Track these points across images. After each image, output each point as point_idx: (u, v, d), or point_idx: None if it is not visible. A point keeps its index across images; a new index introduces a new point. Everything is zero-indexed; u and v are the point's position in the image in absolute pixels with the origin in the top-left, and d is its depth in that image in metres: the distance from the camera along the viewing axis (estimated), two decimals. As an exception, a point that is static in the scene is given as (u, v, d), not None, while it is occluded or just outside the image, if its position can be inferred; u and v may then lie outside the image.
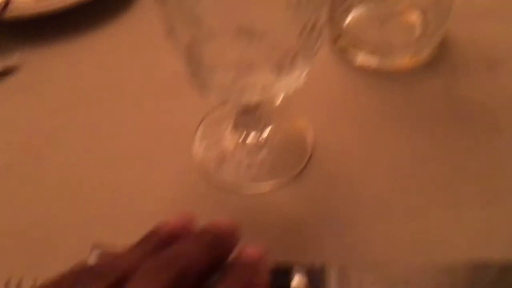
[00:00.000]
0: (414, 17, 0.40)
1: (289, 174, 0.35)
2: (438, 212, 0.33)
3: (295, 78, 0.30)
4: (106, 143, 0.37)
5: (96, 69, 0.43)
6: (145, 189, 0.34)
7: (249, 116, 0.35)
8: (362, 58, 0.41)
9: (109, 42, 0.45)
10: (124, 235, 0.29)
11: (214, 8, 0.26)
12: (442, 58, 0.41)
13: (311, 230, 0.32)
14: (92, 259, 0.27)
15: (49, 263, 0.30)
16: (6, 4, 0.43)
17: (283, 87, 0.30)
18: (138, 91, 0.41)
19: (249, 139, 0.37)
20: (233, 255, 0.23)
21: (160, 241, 0.22)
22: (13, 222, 0.33)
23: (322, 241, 0.32)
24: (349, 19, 0.42)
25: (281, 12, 0.27)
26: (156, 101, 0.40)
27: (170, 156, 0.36)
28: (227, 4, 0.27)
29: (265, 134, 0.37)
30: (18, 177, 0.36)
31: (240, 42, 0.27)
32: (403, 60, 0.41)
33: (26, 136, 0.38)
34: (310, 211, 0.33)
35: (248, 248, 0.22)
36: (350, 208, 0.33)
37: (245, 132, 0.36)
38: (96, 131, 0.38)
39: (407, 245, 0.31)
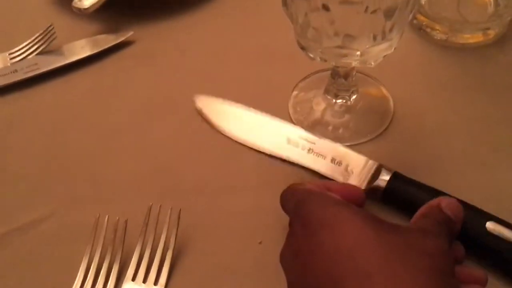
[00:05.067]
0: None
1: (372, 134, 0.40)
2: (507, 168, 0.37)
3: (388, 46, 0.35)
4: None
5: (199, 42, 0.49)
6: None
7: (340, 82, 0.40)
8: (439, 33, 0.45)
9: (211, 19, 0.50)
10: (231, 177, 0.39)
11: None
12: (511, 35, 0.46)
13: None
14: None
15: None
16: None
17: (377, 54, 0.35)
18: (241, 59, 0.46)
19: (337, 104, 0.42)
20: None
21: None
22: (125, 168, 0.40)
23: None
24: (427, -2, 0.46)
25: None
26: (258, 67, 0.45)
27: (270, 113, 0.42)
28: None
29: (352, 100, 0.42)
30: (134, 133, 0.42)
31: (346, 11, 0.32)
32: (476, 36, 0.45)
33: (139, 99, 0.44)
34: (392, 164, 0.38)
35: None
36: (427, 163, 0.38)
37: (334, 98, 0.42)
38: (204, 92, 0.44)
39: (479, 195, 0.35)
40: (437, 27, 0.45)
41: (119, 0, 0.50)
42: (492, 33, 0.45)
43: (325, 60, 0.35)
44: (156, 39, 0.49)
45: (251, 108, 0.41)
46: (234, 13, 0.51)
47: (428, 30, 0.46)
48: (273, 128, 0.40)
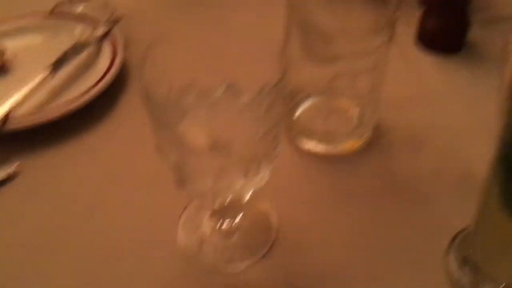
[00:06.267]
0: (352, 110, 0.50)
1: (259, 252, 0.42)
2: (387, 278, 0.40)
3: (260, 178, 0.37)
4: (100, 236, 0.43)
5: (87, 169, 0.49)
6: (136, 274, 0.40)
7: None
8: (312, 145, 0.49)
9: (97, 145, 0.51)
10: None
11: (191, 128, 0.34)
12: (376, 141, 0.50)
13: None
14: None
15: None
16: (5, 119, 0.49)
17: (251, 187, 0.37)
18: (126, 187, 0.47)
19: (224, 225, 0.43)
20: None
21: None
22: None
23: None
24: (299, 112, 0.50)
25: (246, 128, 0.34)
26: (142, 195, 0.46)
27: (157, 242, 0.42)
28: (201, 124, 0.34)
29: (237, 220, 0.44)
30: (21, 273, 0.41)
31: (215, 155, 0.34)
32: (345, 146, 0.49)
33: (27, 235, 0.44)
34: (281, 283, 0.40)
35: None
36: (312, 276, 0.40)
37: (220, 220, 0.43)
38: (90, 226, 0.44)
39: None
40: (310, 139, 0.49)
41: (2, 134, 0.50)
42: (361, 140, 0.50)
43: (202, 198, 0.37)
44: (42, 169, 0.49)
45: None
46: (117, 141, 0.52)
47: (302, 142, 0.50)
48: None
